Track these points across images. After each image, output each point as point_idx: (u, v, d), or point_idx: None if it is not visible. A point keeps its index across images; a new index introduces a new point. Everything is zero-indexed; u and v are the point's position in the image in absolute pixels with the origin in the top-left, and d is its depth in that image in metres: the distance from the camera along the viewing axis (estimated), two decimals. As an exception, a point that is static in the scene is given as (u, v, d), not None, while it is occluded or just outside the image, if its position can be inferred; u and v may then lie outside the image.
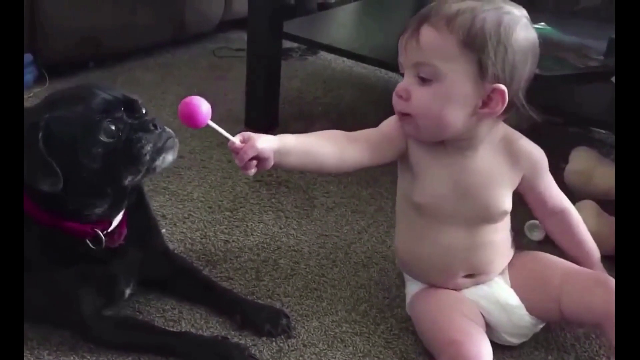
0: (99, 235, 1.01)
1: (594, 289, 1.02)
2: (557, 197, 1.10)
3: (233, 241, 1.32)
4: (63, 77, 1.95)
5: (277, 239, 1.33)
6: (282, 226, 1.37)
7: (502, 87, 0.94)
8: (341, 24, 1.96)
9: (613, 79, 1.48)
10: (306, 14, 2.22)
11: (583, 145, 1.47)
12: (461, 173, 1.02)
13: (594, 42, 1.65)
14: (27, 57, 1.83)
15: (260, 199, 1.46)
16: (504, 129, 1.04)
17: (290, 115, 1.86)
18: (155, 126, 0.99)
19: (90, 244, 1.00)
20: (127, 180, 0.98)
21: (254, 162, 0.92)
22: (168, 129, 1.00)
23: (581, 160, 1.41)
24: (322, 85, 2.10)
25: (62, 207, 0.98)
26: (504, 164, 1.03)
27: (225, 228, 1.35)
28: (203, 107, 0.88)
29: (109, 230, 1.02)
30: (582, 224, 1.12)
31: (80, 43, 1.96)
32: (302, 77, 2.14)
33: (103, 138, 0.95)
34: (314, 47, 2.08)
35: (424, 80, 0.95)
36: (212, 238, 1.32)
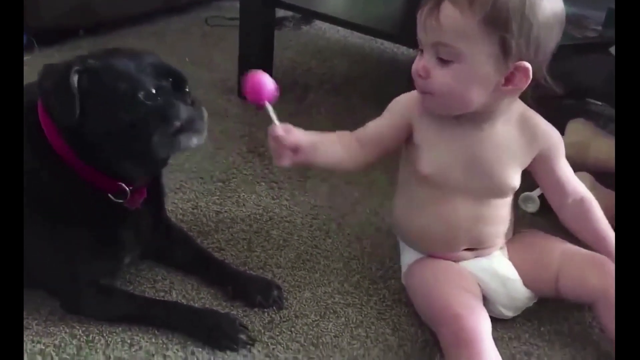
0: (124, 189, 0.99)
1: (591, 268, 1.01)
2: (574, 182, 1.07)
3: (225, 212, 1.30)
4: (52, 45, 1.92)
5: (269, 210, 1.32)
6: (275, 197, 1.36)
7: (526, 64, 0.92)
8: (336, -7, 1.93)
9: (611, 49, 1.46)
10: (301, -18, 2.18)
11: (579, 117, 1.46)
12: (475, 146, 1.01)
13: (592, 13, 1.62)
14: (16, 25, 1.80)
15: (253, 169, 1.44)
16: (521, 106, 1.02)
17: (284, 85, 1.82)
18: (193, 103, 0.99)
19: (112, 198, 0.99)
20: (155, 146, 0.95)
21: (290, 153, 0.96)
22: (204, 110, 1.00)
23: (577, 132, 1.40)
24: (316, 55, 2.07)
25: (93, 157, 0.97)
26: (520, 140, 1.02)
27: (217, 199, 1.34)
28: (269, 84, 0.96)
29: (130, 188, 1.00)
30: (601, 213, 1.07)
31: (71, 11, 1.93)
32: (296, 47, 2.11)
33: (141, 97, 0.94)
34: (309, 16, 2.05)
35: (444, 61, 0.93)
36: (204, 209, 1.31)
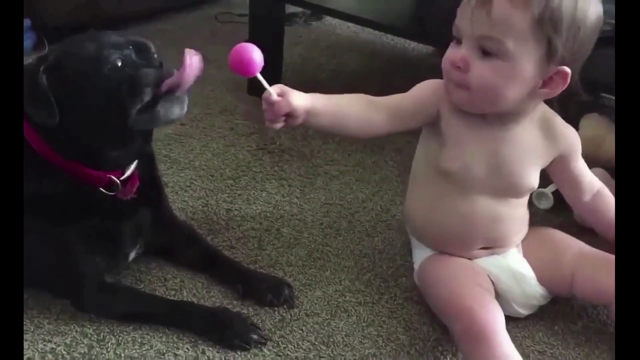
0: (113, 180, 0.98)
1: (606, 269, 0.99)
2: (591, 179, 1.07)
3: (235, 210, 1.30)
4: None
5: (280, 207, 1.31)
6: (285, 194, 1.35)
7: (567, 69, 0.91)
8: (346, -12, 1.91)
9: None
10: (310, -23, 2.17)
11: (593, 112, 1.44)
12: (498, 145, 1.00)
13: (605, 6, 1.60)
14: (26, 22, 1.80)
15: (263, 167, 1.44)
16: (542, 105, 1.01)
17: (293, 82, 1.78)
18: (161, 64, 0.97)
19: (104, 191, 0.98)
20: (133, 117, 0.94)
21: (283, 117, 0.94)
22: (176, 71, 0.97)
23: (591, 127, 1.38)
24: (326, 51, 2.06)
25: (77, 151, 0.96)
26: (541, 140, 1.01)
27: (228, 196, 1.33)
28: (256, 55, 0.90)
29: (121, 178, 1.00)
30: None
31: (79, 8, 1.93)
32: (306, 43, 2.10)
33: (108, 72, 0.93)
34: (319, 11, 2.04)
35: (485, 53, 0.91)
36: (214, 206, 1.30)
